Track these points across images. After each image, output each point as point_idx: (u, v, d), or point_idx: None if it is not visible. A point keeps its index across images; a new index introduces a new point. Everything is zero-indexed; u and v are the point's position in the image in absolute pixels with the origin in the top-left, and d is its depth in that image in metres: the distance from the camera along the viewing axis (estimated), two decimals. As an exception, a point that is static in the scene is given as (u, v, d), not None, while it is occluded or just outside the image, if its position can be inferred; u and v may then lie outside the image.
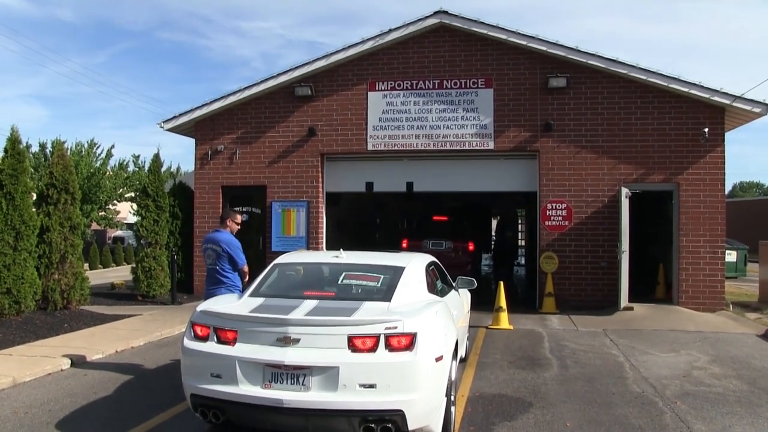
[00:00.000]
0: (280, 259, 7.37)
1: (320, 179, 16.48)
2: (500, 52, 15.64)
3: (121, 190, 38.43)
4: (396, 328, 5.30)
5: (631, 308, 14.29)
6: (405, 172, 16.42)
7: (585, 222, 15.17)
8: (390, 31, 15.86)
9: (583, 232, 15.16)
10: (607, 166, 15.11)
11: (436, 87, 15.81)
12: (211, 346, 5.61)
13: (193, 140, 17.42)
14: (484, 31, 15.50)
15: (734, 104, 14.39)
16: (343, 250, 7.37)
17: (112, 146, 38.71)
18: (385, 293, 6.22)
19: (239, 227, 8.88)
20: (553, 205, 15.28)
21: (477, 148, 15.64)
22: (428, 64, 15.91)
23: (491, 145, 15.57)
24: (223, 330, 5.62)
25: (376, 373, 5.18)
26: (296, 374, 5.27)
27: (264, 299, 6.25)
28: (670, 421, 6.78)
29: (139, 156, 44.20)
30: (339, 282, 6.69)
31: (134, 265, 16.54)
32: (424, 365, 5.30)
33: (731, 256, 23.12)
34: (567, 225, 15.21)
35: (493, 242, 30.51)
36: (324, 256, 7.64)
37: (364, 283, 6.63)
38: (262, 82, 16.44)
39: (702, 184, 14.76)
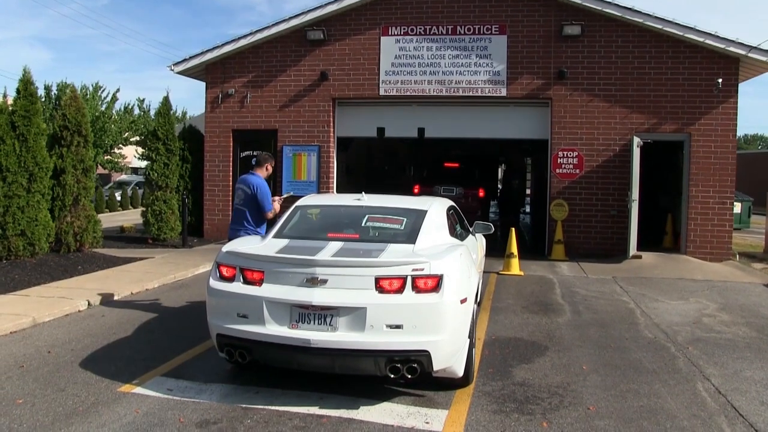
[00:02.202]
0: (301, 201, 7.34)
1: (331, 124, 16.44)
2: (515, -1, 15.48)
3: (126, 134, 38.24)
4: (423, 269, 5.34)
5: (640, 257, 14.40)
6: (416, 118, 16.35)
7: (596, 170, 15.18)
8: (404, -26, 15.64)
9: (594, 181, 15.19)
10: (620, 115, 15.07)
11: (450, 33, 15.66)
12: (238, 287, 5.65)
13: (202, 84, 17.34)
14: (499, -24, 15.30)
15: (749, 55, 14.26)
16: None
17: (117, 90, 38.14)
18: (409, 236, 6.22)
19: (270, 173, 8.87)
20: (565, 153, 15.27)
21: (489, 94, 15.58)
22: (442, 9, 15.72)
23: (504, 92, 15.50)
24: (250, 270, 5.66)
25: (403, 314, 5.24)
26: (323, 315, 5.33)
27: (289, 240, 6.24)
28: (683, 365, 6.89)
29: (144, 100, 43.95)
30: (362, 224, 6.66)
31: (144, 209, 16.55)
32: (449, 307, 5.36)
33: (736, 208, 23.14)
34: (578, 173, 15.23)
35: (499, 190, 30.50)
36: (346, 199, 7.53)
37: (388, 225, 6.61)
38: (273, 25, 16.29)
39: (714, 134, 14.74)
